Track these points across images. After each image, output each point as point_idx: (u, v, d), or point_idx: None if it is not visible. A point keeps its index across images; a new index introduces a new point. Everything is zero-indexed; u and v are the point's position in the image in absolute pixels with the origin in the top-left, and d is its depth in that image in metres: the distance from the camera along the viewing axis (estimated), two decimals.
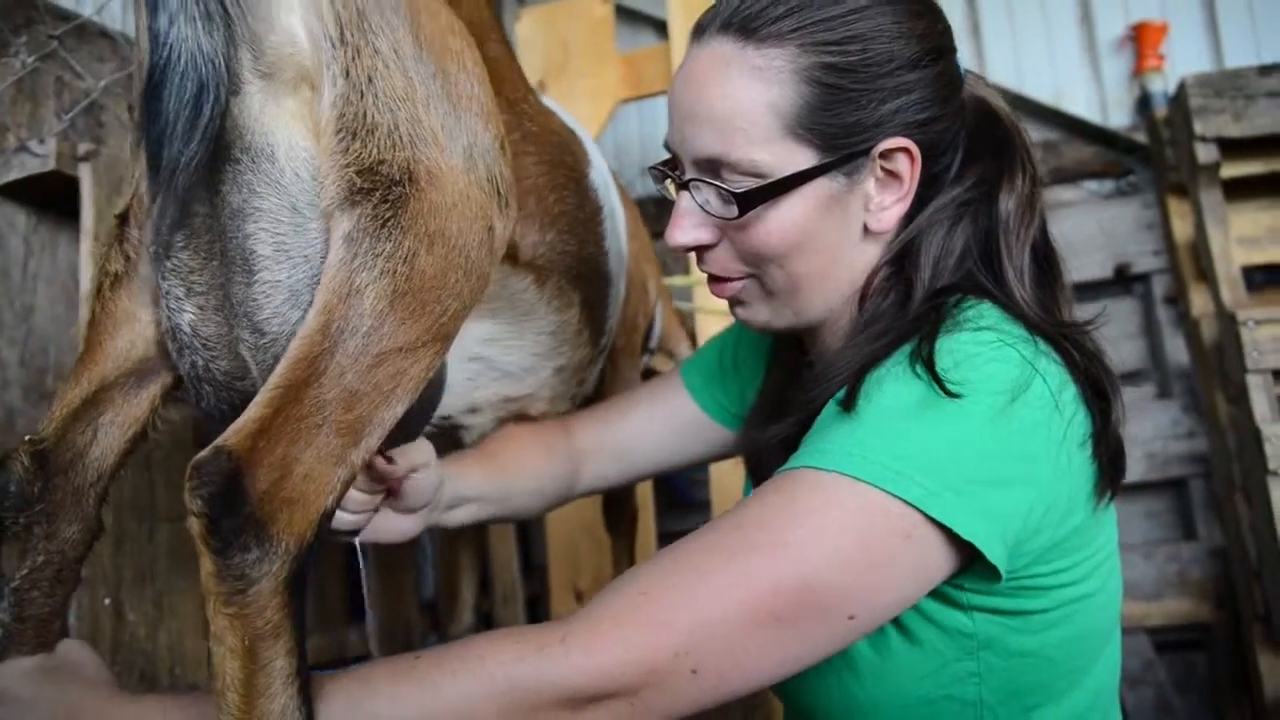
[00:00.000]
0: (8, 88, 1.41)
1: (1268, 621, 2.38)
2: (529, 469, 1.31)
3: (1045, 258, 1.02)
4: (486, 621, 2.50)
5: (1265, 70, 2.33)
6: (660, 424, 1.36)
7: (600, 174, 1.50)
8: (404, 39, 0.90)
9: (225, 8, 0.83)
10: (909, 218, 1.00)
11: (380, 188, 0.85)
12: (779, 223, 0.97)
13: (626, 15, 3.59)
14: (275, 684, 0.76)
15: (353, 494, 1.07)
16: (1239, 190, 2.44)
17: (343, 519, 1.08)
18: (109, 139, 1.58)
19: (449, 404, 1.26)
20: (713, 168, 0.98)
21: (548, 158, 1.31)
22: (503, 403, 1.36)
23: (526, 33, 2.79)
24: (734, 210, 0.96)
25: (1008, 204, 1.00)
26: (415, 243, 0.86)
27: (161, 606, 1.38)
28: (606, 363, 1.65)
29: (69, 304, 1.47)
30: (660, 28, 3.48)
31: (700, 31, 1.00)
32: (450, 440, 1.33)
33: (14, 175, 1.36)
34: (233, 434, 0.77)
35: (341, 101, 0.85)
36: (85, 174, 1.37)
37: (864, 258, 1.01)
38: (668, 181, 1.07)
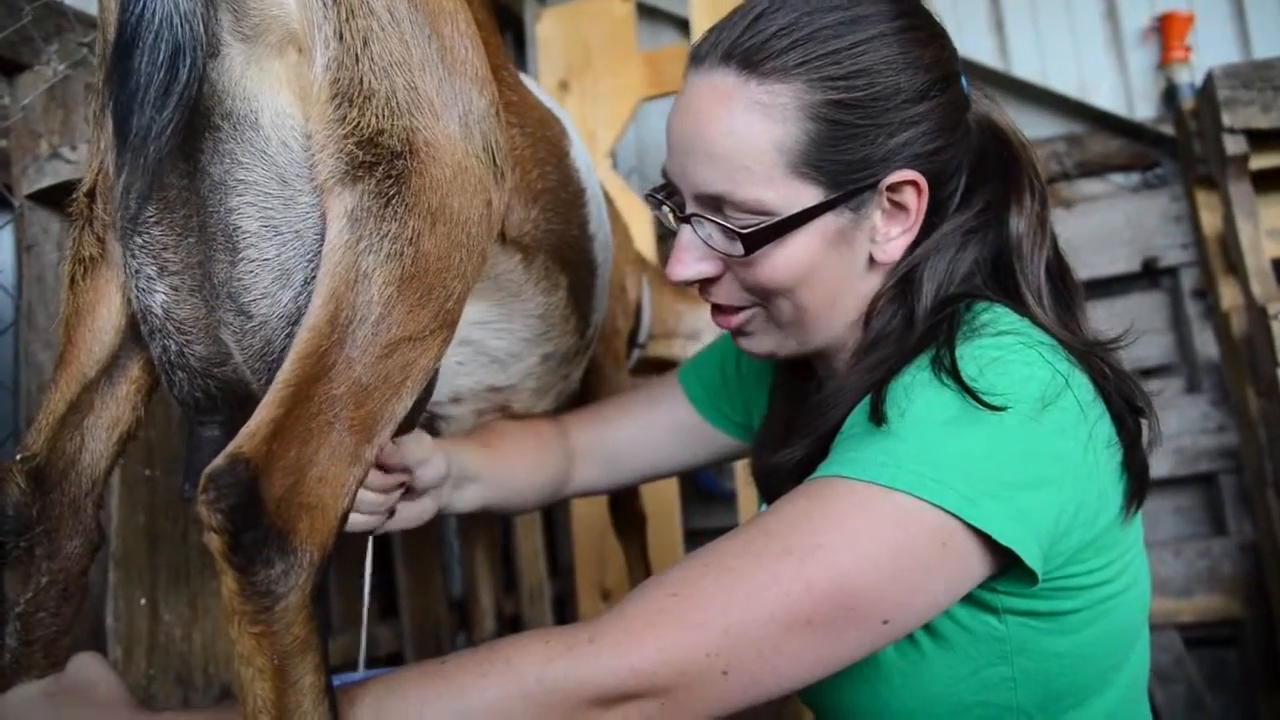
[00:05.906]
0: (39, 95, 1.42)
1: None
2: (524, 459, 1.29)
3: (1060, 276, 1.01)
4: (514, 623, 2.51)
5: None
6: (658, 430, 1.35)
7: (582, 157, 1.44)
8: None
9: None
10: (914, 244, 0.99)
11: (383, 161, 0.79)
12: (785, 259, 0.96)
13: (647, 13, 3.58)
14: (306, 702, 0.73)
15: (365, 495, 1.05)
16: (1268, 182, 2.42)
17: (356, 520, 1.06)
18: None
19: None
20: (715, 204, 0.96)
21: (531, 130, 1.23)
22: (487, 392, 1.31)
23: (547, 32, 2.80)
24: (739, 248, 0.95)
25: (1018, 225, 0.99)
26: (420, 222, 0.80)
27: (196, 606, 1.40)
28: (591, 371, 1.60)
29: None
30: (682, 25, 3.48)
31: (699, 60, 0.97)
32: (427, 431, 1.27)
33: (47, 182, 1.38)
34: (246, 439, 0.72)
35: (335, 65, 0.79)
36: None
37: (869, 285, 1.01)
38: (665, 208, 1.05)
